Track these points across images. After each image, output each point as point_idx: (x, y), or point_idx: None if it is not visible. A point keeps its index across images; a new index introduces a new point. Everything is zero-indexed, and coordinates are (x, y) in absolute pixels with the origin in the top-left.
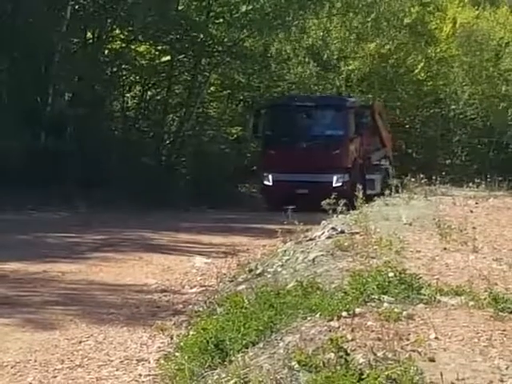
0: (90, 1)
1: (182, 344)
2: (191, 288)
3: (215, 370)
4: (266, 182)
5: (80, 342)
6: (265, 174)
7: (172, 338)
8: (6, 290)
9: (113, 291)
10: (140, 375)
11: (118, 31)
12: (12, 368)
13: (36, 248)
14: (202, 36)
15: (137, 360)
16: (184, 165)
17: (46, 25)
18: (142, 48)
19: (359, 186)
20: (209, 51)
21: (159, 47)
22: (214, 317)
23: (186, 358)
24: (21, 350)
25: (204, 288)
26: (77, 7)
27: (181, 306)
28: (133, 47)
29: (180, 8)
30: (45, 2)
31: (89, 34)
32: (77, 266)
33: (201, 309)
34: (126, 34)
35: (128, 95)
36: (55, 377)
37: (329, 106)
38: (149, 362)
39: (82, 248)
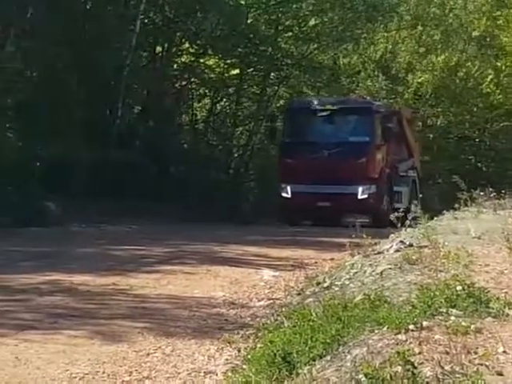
0: (159, 15)
1: (249, 357)
2: (259, 301)
3: (282, 382)
4: (283, 194)
5: (148, 355)
6: (282, 186)
7: (239, 351)
8: (75, 302)
9: (180, 304)
10: None
11: (187, 45)
12: (80, 380)
13: (104, 260)
14: (270, 49)
15: (204, 372)
16: (252, 178)
17: (116, 38)
18: (211, 61)
19: (386, 199)
20: (277, 64)
21: (228, 61)
22: (282, 330)
23: (254, 370)
24: (89, 362)
25: (271, 301)
26: (146, 21)
27: (248, 318)
28: (202, 61)
29: (249, 21)
30: (115, 15)
31: (158, 48)
32: (145, 278)
33: (268, 322)
34: (195, 47)
35: (197, 108)
36: None
37: (353, 110)
38: (216, 375)
39: (149, 260)
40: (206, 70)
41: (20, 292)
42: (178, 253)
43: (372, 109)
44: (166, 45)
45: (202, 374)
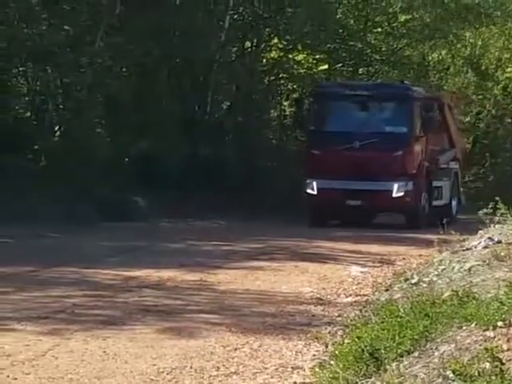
0: (248, 10)
1: (336, 352)
2: (346, 297)
3: (370, 378)
4: (309, 191)
5: (235, 350)
6: (308, 181)
7: (327, 347)
8: (163, 297)
9: (268, 299)
10: (295, 383)
11: (276, 40)
12: (168, 374)
13: (193, 256)
14: (359, 45)
15: (292, 368)
16: None
17: (205, 34)
18: (299, 57)
19: (424, 196)
20: (366, 60)
21: (317, 56)
22: (369, 326)
23: (341, 366)
24: (177, 357)
25: (359, 297)
26: (235, 17)
27: (336, 314)
28: (291, 56)
29: (338, 17)
30: (204, 11)
31: (247, 43)
32: (233, 274)
33: (356, 318)
34: (284, 43)
35: (285, 104)
36: (211, 383)
37: (389, 96)
38: (303, 370)
39: (237, 256)
40: (294, 66)
41: (108, 287)
42: (266, 248)
43: (411, 95)
44: (255, 40)
45: (290, 370)
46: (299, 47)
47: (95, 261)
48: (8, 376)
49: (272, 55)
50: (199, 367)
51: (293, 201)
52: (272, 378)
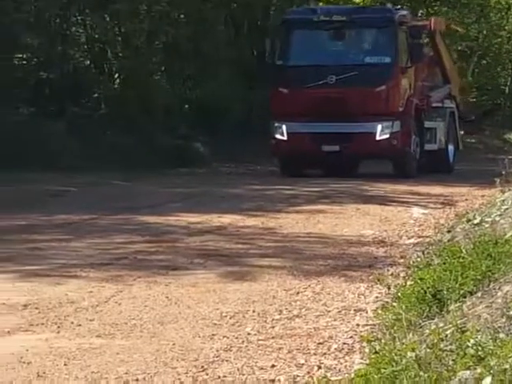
0: None
1: (399, 294)
2: (408, 239)
3: (433, 319)
4: (277, 136)
5: (298, 293)
6: (276, 124)
7: (389, 289)
8: (224, 242)
9: (330, 242)
10: (357, 325)
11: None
12: (231, 318)
13: (253, 200)
14: None
15: (354, 310)
16: None
17: None
18: None
19: (415, 139)
20: (426, 1)
21: None
22: (432, 267)
23: (404, 307)
24: (239, 301)
25: (421, 239)
26: None
27: (398, 256)
28: None
29: None
30: None
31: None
32: (294, 217)
33: (418, 259)
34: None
35: None
36: (273, 327)
37: (369, 21)
38: (366, 312)
39: (299, 200)
40: None
41: (170, 233)
42: (326, 192)
43: (394, 19)
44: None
45: (352, 312)
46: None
47: (157, 207)
48: (72, 322)
49: None
50: (262, 311)
51: None
52: (335, 320)
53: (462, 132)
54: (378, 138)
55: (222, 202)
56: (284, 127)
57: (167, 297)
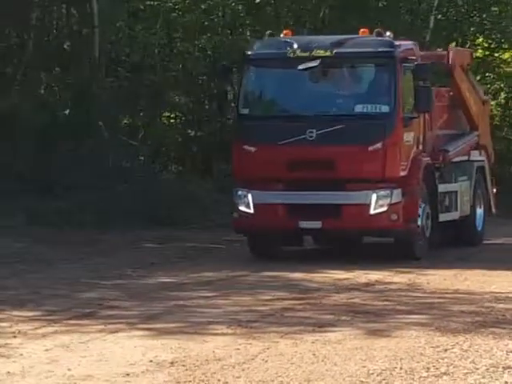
0: (452, 10)
1: None
2: None
3: None
4: (241, 208)
5: (445, 350)
6: (240, 193)
7: None
8: (372, 299)
9: (478, 299)
10: (506, 383)
11: (481, 39)
12: (378, 376)
13: (400, 258)
14: None
15: (503, 368)
16: None
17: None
18: (506, 55)
19: (424, 209)
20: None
21: None
22: None
23: None
24: (386, 358)
25: None
26: (439, 17)
27: None
28: (496, 55)
29: None
30: (407, 12)
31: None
32: (442, 274)
33: None
34: (489, 41)
35: (492, 104)
36: None
37: (361, 57)
38: None
39: (446, 258)
40: (500, 64)
41: (316, 290)
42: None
43: (395, 54)
44: (459, 39)
45: (501, 370)
46: (505, 45)
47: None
48: (219, 380)
49: (477, 54)
50: (409, 368)
51: None
52: (483, 378)
53: (495, 190)
54: (372, 211)
55: (371, 259)
56: (250, 197)
57: (314, 354)
